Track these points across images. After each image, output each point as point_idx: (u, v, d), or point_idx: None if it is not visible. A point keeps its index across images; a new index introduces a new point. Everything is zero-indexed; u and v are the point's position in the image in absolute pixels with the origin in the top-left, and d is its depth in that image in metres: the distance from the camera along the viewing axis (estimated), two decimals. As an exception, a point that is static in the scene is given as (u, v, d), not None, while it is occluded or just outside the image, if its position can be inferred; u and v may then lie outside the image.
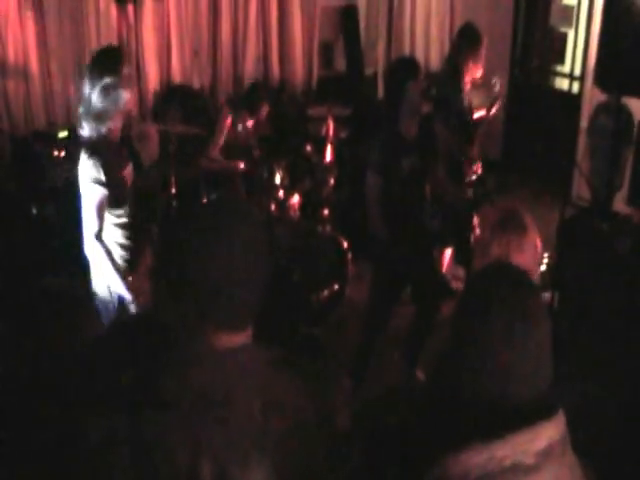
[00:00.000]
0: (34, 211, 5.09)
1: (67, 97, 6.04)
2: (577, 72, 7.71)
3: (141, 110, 6.54)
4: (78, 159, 3.33)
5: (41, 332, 1.86)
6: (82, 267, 3.45)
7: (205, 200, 5.28)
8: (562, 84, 8.13)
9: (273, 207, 5.20)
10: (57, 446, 1.57)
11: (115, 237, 3.43)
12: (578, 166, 5.80)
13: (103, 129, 3.31)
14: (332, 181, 5.48)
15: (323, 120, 5.56)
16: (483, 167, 5.26)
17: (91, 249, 3.33)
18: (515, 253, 2.35)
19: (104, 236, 3.36)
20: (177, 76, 6.76)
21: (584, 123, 6.91)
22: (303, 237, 5.11)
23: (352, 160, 6.29)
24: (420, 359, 4.50)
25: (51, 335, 1.87)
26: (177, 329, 1.51)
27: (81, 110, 3.34)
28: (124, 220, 3.45)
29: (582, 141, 6.70)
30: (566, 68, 7.97)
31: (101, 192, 3.27)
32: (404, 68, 4.12)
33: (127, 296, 3.31)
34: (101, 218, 3.32)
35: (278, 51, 7.38)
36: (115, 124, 3.35)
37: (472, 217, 4.85)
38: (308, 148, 5.50)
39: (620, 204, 5.82)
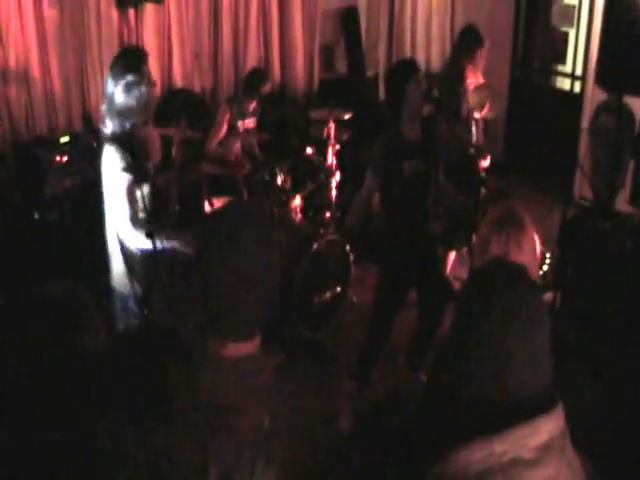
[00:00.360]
0: (36, 216, 5.10)
1: (69, 102, 6.05)
2: (578, 72, 7.71)
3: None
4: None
5: (44, 338, 1.86)
6: (84, 272, 3.47)
7: (209, 204, 5.27)
8: (563, 84, 8.13)
9: (275, 210, 5.21)
10: (64, 451, 1.57)
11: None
12: (580, 166, 5.79)
13: (127, 124, 3.39)
14: (334, 183, 5.48)
15: (324, 122, 5.56)
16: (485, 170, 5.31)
17: (126, 235, 3.39)
18: (514, 251, 2.36)
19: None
20: (178, 79, 6.76)
21: (585, 123, 6.90)
22: (305, 240, 5.11)
23: (354, 162, 6.29)
24: (423, 362, 4.50)
25: (55, 341, 1.86)
26: (187, 338, 1.51)
27: (104, 108, 3.42)
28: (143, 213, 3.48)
29: (584, 141, 6.69)
30: (567, 68, 7.97)
31: (128, 178, 3.33)
32: (404, 70, 4.13)
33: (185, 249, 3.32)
34: (133, 203, 3.38)
35: (279, 54, 7.38)
36: (138, 120, 3.44)
37: (476, 219, 4.85)
38: (310, 151, 5.50)
39: (622, 204, 5.80)
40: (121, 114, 3.37)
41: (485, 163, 5.24)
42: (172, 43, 6.64)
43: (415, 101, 3.98)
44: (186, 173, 5.52)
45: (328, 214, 5.57)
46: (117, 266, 3.52)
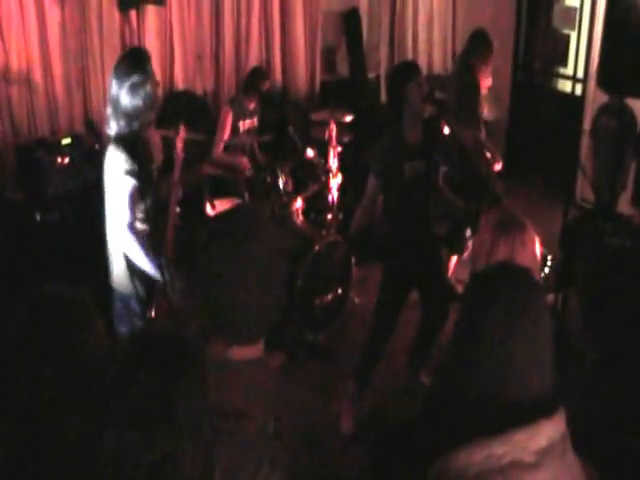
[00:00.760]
0: (37, 217, 5.10)
1: (70, 104, 6.05)
2: (580, 74, 7.71)
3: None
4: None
5: (45, 338, 1.86)
6: (85, 273, 3.47)
7: (210, 206, 5.27)
8: (565, 86, 8.13)
9: (276, 212, 5.21)
10: (67, 454, 1.57)
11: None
12: (581, 168, 5.79)
13: (135, 125, 3.38)
14: (335, 185, 5.48)
15: (326, 124, 5.56)
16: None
17: (121, 241, 3.39)
18: (520, 251, 2.38)
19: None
20: (180, 81, 6.77)
21: (587, 125, 6.90)
22: (306, 242, 5.11)
23: (355, 164, 6.29)
24: (425, 363, 4.50)
25: (55, 341, 1.86)
26: (192, 342, 1.51)
27: (109, 110, 3.40)
28: (144, 214, 3.49)
29: (585, 143, 6.69)
30: (569, 70, 7.97)
31: (132, 183, 3.32)
32: (405, 71, 4.14)
33: (161, 278, 3.39)
34: (134, 209, 3.38)
35: (281, 56, 7.38)
36: (145, 120, 3.44)
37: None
38: (311, 152, 5.50)
39: (624, 206, 5.80)
40: (128, 115, 3.36)
41: (498, 167, 5.25)
42: (174, 45, 6.65)
43: (416, 103, 3.99)
44: (187, 175, 5.53)
45: (329, 216, 5.57)
46: (118, 267, 3.51)
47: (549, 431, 1.48)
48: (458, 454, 1.49)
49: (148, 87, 3.40)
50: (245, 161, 5.74)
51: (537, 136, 7.63)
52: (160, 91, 6.63)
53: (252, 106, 5.99)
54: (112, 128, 3.39)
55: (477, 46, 5.50)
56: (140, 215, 3.46)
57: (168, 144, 3.99)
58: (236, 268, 1.66)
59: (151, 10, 6.45)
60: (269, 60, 7.27)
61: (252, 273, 1.66)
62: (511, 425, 1.47)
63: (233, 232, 1.71)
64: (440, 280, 4.42)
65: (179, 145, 3.86)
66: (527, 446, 1.46)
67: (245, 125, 5.97)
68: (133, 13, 6.35)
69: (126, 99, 3.34)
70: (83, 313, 1.97)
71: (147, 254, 3.39)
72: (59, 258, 4.93)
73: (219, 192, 5.47)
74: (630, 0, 6.90)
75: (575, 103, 7.62)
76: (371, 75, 7.95)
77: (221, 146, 5.86)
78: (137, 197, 3.38)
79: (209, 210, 5.24)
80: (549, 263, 5.33)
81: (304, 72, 7.51)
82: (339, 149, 5.51)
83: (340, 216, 5.75)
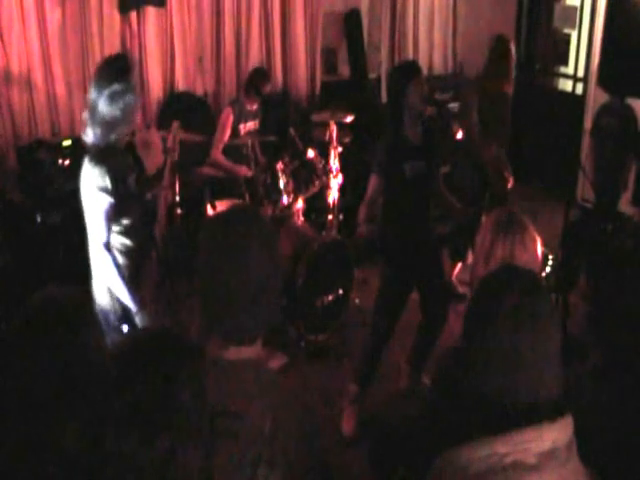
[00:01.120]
0: (39, 219, 5.11)
1: (71, 105, 6.06)
2: (580, 73, 7.71)
3: (144, 117, 6.56)
4: (81, 166, 3.28)
5: (44, 339, 1.85)
6: (85, 275, 3.45)
7: (211, 208, 5.27)
8: (566, 85, 8.12)
9: (277, 213, 5.21)
10: (67, 455, 1.57)
11: (118, 245, 3.36)
12: (582, 167, 5.79)
13: (112, 136, 3.24)
14: (336, 186, 5.48)
15: (327, 125, 5.56)
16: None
17: (98, 259, 3.28)
18: (519, 252, 2.38)
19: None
20: (180, 83, 6.77)
21: (588, 124, 6.89)
22: (307, 242, 5.11)
23: (356, 165, 6.29)
24: (426, 364, 4.49)
25: (54, 342, 1.86)
26: (192, 342, 1.51)
27: (86, 116, 3.27)
28: (127, 228, 3.37)
29: (586, 142, 6.68)
30: (570, 69, 7.96)
31: (107, 200, 3.20)
32: (405, 71, 4.14)
33: (133, 307, 3.27)
34: (110, 227, 3.26)
35: (281, 57, 7.39)
36: (122, 131, 3.29)
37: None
38: (312, 153, 5.50)
39: (625, 205, 5.79)
40: (105, 124, 3.20)
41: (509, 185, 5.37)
42: (174, 46, 6.65)
43: (416, 103, 3.99)
44: (187, 176, 5.54)
45: (330, 216, 5.57)
46: (97, 281, 3.39)
47: (553, 435, 1.48)
48: (460, 450, 1.49)
49: (128, 97, 3.22)
50: (245, 170, 5.71)
51: (538, 135, 7.63)
52: (160, 94, 6.67)
53: (253, 108, 5.99)
54: (88, 135, 3.25)
55: (504, 54, 5.48)
56: (120, 229, 3.33)
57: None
58: (232, 267, 1.66)
59: (151, 11, 6.45)
60: (270, 61, 7.27)
61: (248, 273, 1.66)
62: (515, 426, 1.47)
63: (230, 231, 1.70)
64: (440, 281, 4.42)
65: (172, 146, 3.79)
66: (530, 448, 1.46)
67: (246, 127, 5.96)
68: (133, 14, 6.36)
69: (105, 107, 3.18)
70: (82, 314, 1.97)
71: (122, 278, 3.27)
72: (59, 259, 4.94)
73: (220, 194, 5.47)
74: (631, 0, 6.92)
75: (576, 102, 7.62)
76: (372, 76, 7.95)
77: (220, 147, 5.85)
78: (112, 215, 3.25)
79: (210, 212, 5.23)
80: (550, 263, 5.32)
81: (305, 73, 7.52)
82: (340, 150, 5.51)
83: (341, 217, 5.75)
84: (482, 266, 2.47)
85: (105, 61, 3.42)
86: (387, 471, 2.83)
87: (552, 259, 5.34)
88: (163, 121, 6.45)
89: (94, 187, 3.18)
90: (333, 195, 5.48)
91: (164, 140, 4.76)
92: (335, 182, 5.45)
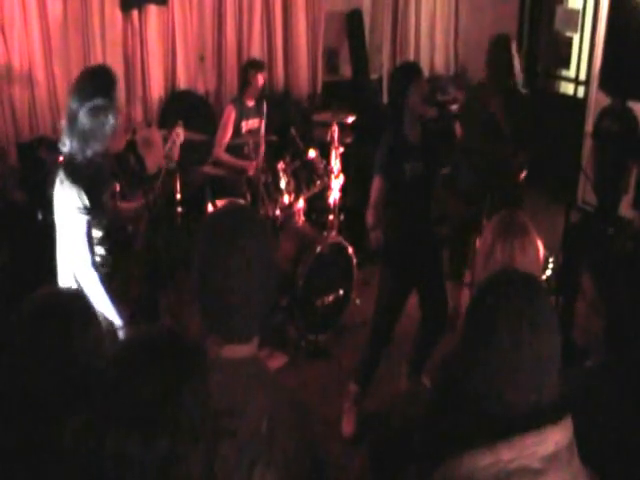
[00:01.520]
0: (39, 217, 5.10)
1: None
2: (582, 76, 7.71)
3: (146, 116, 6.56)
4: (54, 180, 3.17)
5: (45, 339, 1.85)
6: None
7: (210, 207, 5.27)
8: (567, 88, 8.13)
9: (277, 212, 5.20)
10: (68, 456, 1.57)
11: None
12: (583, 170, 5.79)
13: (88, 151, 3.15)
14: (337, 186, 5.47)
15: (328, 125, 5.55)
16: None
17: (83, 280, 3.21)
18: (519, 255, 2.38)
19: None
20: (182, 81, 6.77)
21: (589, 127, 6.90)
22: (308, 243, 5.10)
23: (357, 165, 6.29)
24: (426, 365, 4.49)
25: (55, 342, 1.86)
26: (194, 341, 1.51)
27: (64, 124, 3.19)
28: (101, 239, 3.33)
29: (587, 145, 6.69)
30: (571, 72, 7.97)
31: (86, 219, 3.15)
32: (405, 73, 4.14)
33: (118, 322, 3.23)
34: (92, 246, 3.20)
35: (283, 57, 7.39)
36: (98, 148, 3.18)
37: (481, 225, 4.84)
38: (313, 153, 5.49)
39: (626, 209, 5.79)
40: (84, 136, 3.12)
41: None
42: (176, 45, 6.66)
43: (416, 104, 4.00)
44: (189, 175, 5.53)
45: (331, 217, 5.57)
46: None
47: (556, 437, 1.47)
48: (462, 458, 1.48)
49: (110, 115, 3.14)
50: (252, 165, 5.66)
51: (539, 138, 7.62)
52: (162, 93, 6.67)
53: (252, 104, 5.96)
54: (65, 145, 3.18)
55: (503, 51, 5.30)
56: (94, 240, 3.28)
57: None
58: (224, 266, 1.65)
59: (153, 10, 6.46)
60: (271, 60, 7.27)
61: (240, 271, 1.66)
62: (518, 430, 1.46)
63: (221, 229, 1.70)
64: (440, 282, 4.42)
65: (171, 154, 3.73)
66: (535, 452, 1.45)
67: (248, 125, 5.95)
68: (135, 13, 6.36)
69: (84, 120, 3.09)
70: (82, 314, 1.97)
71: (108, 294, 3.22)
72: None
73: (221, 193, 5.47)
74: (632, 3, 6.92)
75: (577, 105, 7.63)
76: (373, 76, 7.95)
77: (223, 146, 5.84)
78: (91, 232, 3.20)
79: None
80: (550, 265, 5.32)
81: (306, 73, 7.52)
82: (341, 150, 5.51)
83: (341, 217, 5.75)
84: (482, 268, 2.47)
85: (88, 72, 3.32)
86: (387, 472, 2.83)
87: (552, 261, 5.34)
88: (164, 119, 6.45)
89: (73, 208, 3.13)
90: (334, 195, 5.48)
91: (165, 139, 4.76)
92: (336, 182, 5.45)
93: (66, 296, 2.06)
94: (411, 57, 8.12)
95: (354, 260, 5.30)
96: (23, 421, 1.81)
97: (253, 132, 5.92)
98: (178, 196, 5.08)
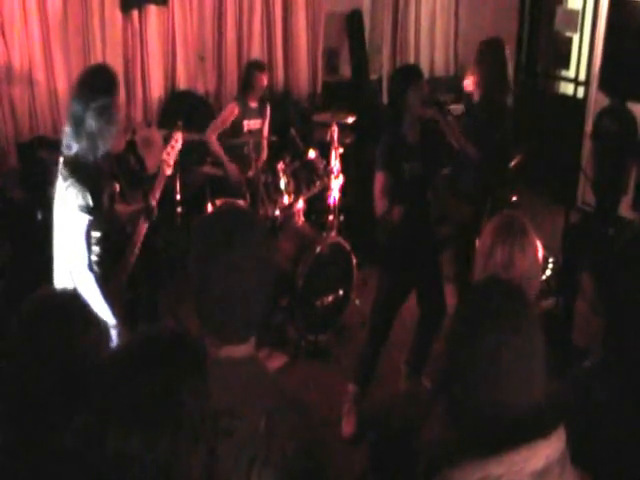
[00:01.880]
0: (39, 216, 5.10)
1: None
2: (582, 77, 7.72)
3: (146, 116, 6.57)
4: (55, 179, 3.18)
5: (45, 339, 1.86)
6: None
7: (210, 207, 5.27)
8: (567, 89, 8.13)
9: (277, 213, 5.20)
10: (69, 457, 1.57)
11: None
12: (583, 171, 5.79)
13: (98, 152, 3.18)
14: (337, 187, 5.47)
15: (328, 126, 5.55)
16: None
17: (78, 279, 3.21)
18: (518, 256, 2.37)
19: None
20: (182, 81, 6.77)
21: (589, 128, 6.90)
22: (308, 243, 5.10)
23: (357, 166, 6.29)
24: (425, 366, 4.49)
25: (55, 342, 1.86)
26: (195, 341, 1.51)
27: (69, 129, 3.20)
28: (99, 239, 3.33)
29: (587, 146, 6.69)
30: (571, 73, 7.97)
31: (87, 219, 3.16)
32: (405, 75, 4.16)
33: (113, 322, 3.22)
34: (90, 246, 3.21)
35: (283, 57, 7.39)
36: (106, 145, 3.22)
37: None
38: (313, 154, 5.49)
39: (626, 210, 5.80)
40: (92, 138, 3.14)
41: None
42: (176, 45, 6.66)
43: (416, 106, 4.01)
44: (189, 175, 5.54)
45: (331, 217, 5.57)
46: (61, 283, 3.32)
47: (547, 451, 1.46)
48: (453, 473, 1.47)
49: (114, 111, 3.18)
50: (235, 170, 5.68)
51: (539, 139, 7.63)
52: (162, 93, 6.67)
53: (254, 105, 5.96)
54: (72, 148, 3.18)
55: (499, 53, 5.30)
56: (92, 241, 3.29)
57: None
58: (219, 266, 1.65)
59: (153, 10, 6.46)
60: (271, 61, 7.27)
61: (235, 271, 1.66)
62: (508, 444, 1.45)
63: (216, 230, 1.70)
64: (439, 282, 4.42)
65: (167, 159, 3.74)
66: (524, 467, 1.44)
67: (249, 125, 5.94)
68: (135, 13, 6.36)
69: (92, 121, 3.11)
70: (82, 313, 1.97)
71: (104, 295, 3.23)
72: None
73: (220, 193, 5.47)
74: (632, 3, 6.93)
75: (577, 106, 7.63)
76: (373, 77, 7.95)
77: (216, 131, 5.80)
78: (90, 232, 3.22)
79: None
80: (550, 266, 5.33)
81: (306, 73, 7.52)
82: (341, 150, 5.51)
83: (341, 217, 5.75)
84: (482, 269, 2.47)
85: (89, 72, 3.35)
86: (387, 472, 2.84)
87: (552, 262, 5.35)
88: (164, 120, 6.45)
89: (75, 207, 3.14)
90: (334, 196, 5.48)
91: (165, 140, 4.76)
92: (336, 183, 5.45)
93: (66, 296, 2.06)
94: (411, 57, 8.13)
95: (354, 260, 5.30)
96: (23, 421, 1.81)
97: (254, 132, 5.92)
98: (178, 196, 5.09)
